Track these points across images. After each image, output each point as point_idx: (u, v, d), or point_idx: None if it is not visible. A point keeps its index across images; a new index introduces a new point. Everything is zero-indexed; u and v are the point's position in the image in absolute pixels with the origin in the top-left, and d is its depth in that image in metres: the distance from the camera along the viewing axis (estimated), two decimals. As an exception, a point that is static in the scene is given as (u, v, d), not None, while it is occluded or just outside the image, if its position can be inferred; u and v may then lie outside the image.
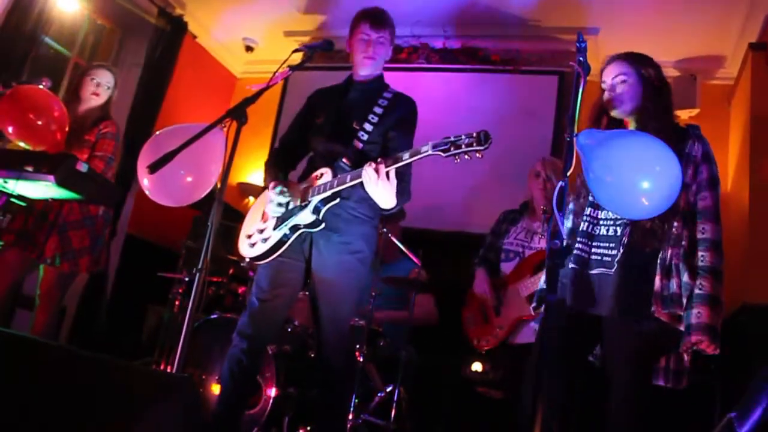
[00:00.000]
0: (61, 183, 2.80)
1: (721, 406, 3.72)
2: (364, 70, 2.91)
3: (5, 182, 2.88)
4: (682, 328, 2.23)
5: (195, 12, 6.06)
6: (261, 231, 2.82)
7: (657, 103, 2.40)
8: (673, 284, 2.23)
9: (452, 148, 2.26)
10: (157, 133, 2.56)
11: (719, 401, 3.76)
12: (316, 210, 2.66)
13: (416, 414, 4.14)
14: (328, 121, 2.87)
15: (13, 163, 2.82)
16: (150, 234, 5.90)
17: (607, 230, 2.40)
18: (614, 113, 2.44)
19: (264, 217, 2.86)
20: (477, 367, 4.38)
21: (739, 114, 4.94)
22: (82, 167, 2.89)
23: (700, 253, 2.25)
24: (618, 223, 2.37)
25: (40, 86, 3.30)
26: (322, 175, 2.72)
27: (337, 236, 2.71)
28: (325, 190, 2.64)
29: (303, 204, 2.70)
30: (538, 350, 2.41)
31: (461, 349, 4.53)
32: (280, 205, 2.74)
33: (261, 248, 2.76)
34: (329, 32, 6.00)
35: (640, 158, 1.89)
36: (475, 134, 2.23)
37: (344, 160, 2.73)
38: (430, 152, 2.32)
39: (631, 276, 2.28)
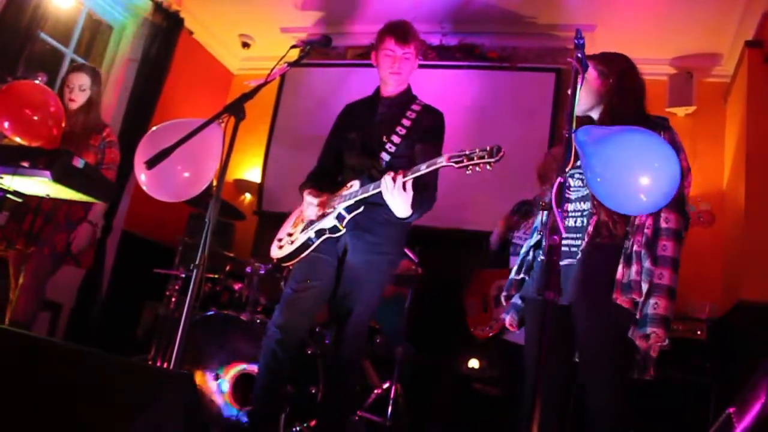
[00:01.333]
0: (57, 179, 2.78)
1: (716, 402, 3.73)
2: (391, 85, 2.97)
3: (1, 178, 2.87)
4: (638, 315, 2.25)
5: (191, 8, 6.05)
6: (290, 234, 2.94)
7: (619, 99, 2.42)
8: (633, 271, 2.25)
9: (465, 160, 2.34)
10: (154, 128, 2.54)
11: (715, 398, 3.77)
12: (340, 217, 2.76)
13: (412, 411, 4.14)
14: (358, 137, 2.95)
15: (9, 159, 2.80)
16: (146, 231, 5.89)
17: (575, 221, 2.43)
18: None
19: (295, 224, 2.98)
20: (474, 363, 4.39)
21: (735, 111, 4.95)
22: (79, 163, 2.88)
23: (662, 242, 2.27)
24: (585, 213, 2.40)
25: (36, 82, 3.30)
26: (351, 186, 2.81)
27: (371, 236, 2.79)
28: (349, 199, 2.74)
29: (329, 211, 2.80)
30: (537, 348, 2.41)
31: (458, 346, 4.53)
32: (311, 210, 2.85)
33: (288, 249, 2.88)
34: (326, 28, 6.00)
35: (639, 155, 1.90)
36: (488, 148, 2.31)
37: (372, 171, 2.81)
38: (444, 164, 2.41)
39: (592, 264, 2.32)
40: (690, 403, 3.76)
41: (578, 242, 2.38)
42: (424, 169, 2.48)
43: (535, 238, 2.60)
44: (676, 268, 2.25)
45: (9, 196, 2.99)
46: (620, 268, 2.27)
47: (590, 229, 2.34)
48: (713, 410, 3.71)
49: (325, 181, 3.02)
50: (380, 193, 2.60)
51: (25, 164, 2.77)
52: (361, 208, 2.75)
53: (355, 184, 2.79)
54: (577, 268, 2.34)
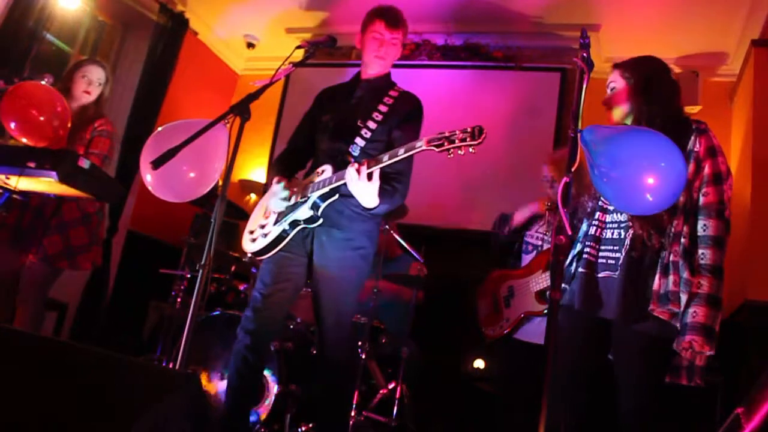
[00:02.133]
0: (63, 179, 2.80)
1: (723, 403, 3.72)
2: (373, 69, 2.91)
3: (7, 179, 2.88)
4: (678, 326, 2.22)
5: (196, 8, 6.06)
6: (262, 227, 2.84)
7: (648, 105, 2.38)
8: (670, 282, 2.22)
9: (446, 143, 2.26)
10: (160, 128, 2.55)
11: (721, 399, 3.76)
12: (315, 206, 2.67)
13: (418, 411, 4.14)
14: (333, 120, 2.87)
15: (16, 159, 2.82)
16: (152, 230, 5.90)
17: (612, 233, 2.39)
18: (609, 122, 2.48)
19: (266, 214, 2.88)
20: (479, 363, 4.39)
21: (742, 111, 4.94)
22: (84, 163, 2.89)
23: (700, 251, 2.23)
24: (622, 226, 2.37)
25: (42, 82, 3.30)
26: (323, 171, 2.73)
27: (340, 232, 2.71)
28: (323, 186, 2.66)
29: (302, 200, 2.71)
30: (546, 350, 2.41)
31: (464, 346, 4.53)
32: (282, 199, 2.76)
33: (261, 243, 2.78)
34: (331, 29, 5.99)
35: (645, 154, 1.89)
36: (469, 129, 2.23)
37: (346, 157, 2.73)
38: (423, 147, 2.31)
39: (632, 278, 2.28)
40: (696, 404, 3.75)
41: (617, 254, 2.34)
42: (402, 153, 2.40)
43: (578, 248, 2.54)
44: (717, 275, 2.20)
45: (15, 196, 3.00)
46: (657, 278, 2.24)
47: (627, 242, 2.31)
48: (720, 411, 3.70)
49: (294, 164, 2.96)
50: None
51: (32, 165, 2.78)
52: (336, 196, 2.68)
53: (327, 170, 2.70)
54: (617, 281, 2.30)
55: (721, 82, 5.37)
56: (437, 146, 2.27)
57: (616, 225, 2.40)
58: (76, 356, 1.89)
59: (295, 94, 6.34)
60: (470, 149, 2.23)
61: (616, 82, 2.47)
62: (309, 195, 2.69)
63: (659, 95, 2.40)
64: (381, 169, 2.48)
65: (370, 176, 2.46)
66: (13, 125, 3.15)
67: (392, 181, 2.67)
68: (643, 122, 2.33)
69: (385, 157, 2.45)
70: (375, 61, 2.88)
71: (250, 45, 6.53)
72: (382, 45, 2.85)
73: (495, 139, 5.64)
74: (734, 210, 4.76)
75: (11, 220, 3.33)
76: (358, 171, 2.44)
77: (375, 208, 2.60)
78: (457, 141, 2.23)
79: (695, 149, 2.31)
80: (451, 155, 2.26)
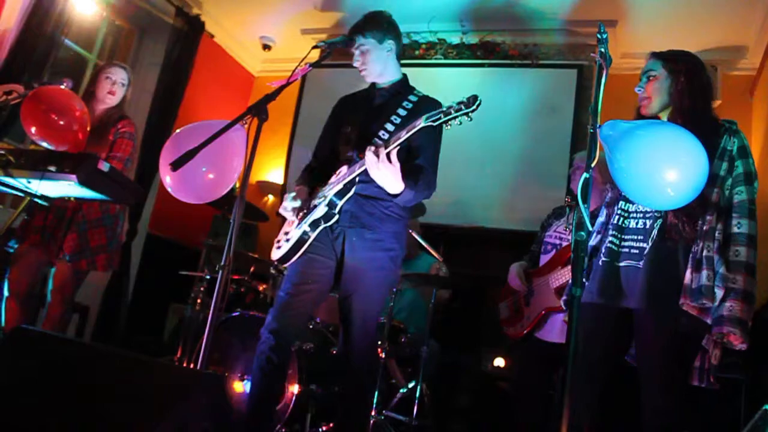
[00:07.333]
0: (83, 182, 2.81)
1: (747, 401, 3.68)
2: (373, 79, 2.95)
3: (28, 182, 2.90)
4: (709, 321, 2.20)
5: (212, 11, 6.09)
6: (286, 233, 2.86)
7: (690, 100, 2.37)
8: (704, 276, 2.20)
9: (442, 116, 2.33)
10: (179, 130, 2.56)
11: (746, 395, 3.72)
12: (331, 203, 2.69)
13: (438, 410, 4.13)
14: (354, 130, 2.88)
15: (36, 163, 2.84)
16: (171, 233, 5.93)
17: (637, 223, 2.39)
18: (643, 111, 2.44)
19: (290, 223, 2.90)
20: (499, 362, 4.38)
21: (762, 105, 4.88)
22: (104, 166, 2.90)
23: (734, 248, 2.23)
24: (648, 216, 2.36)
25: (62, 87, 3.32)
26: (339, 172, 2.75)
27: (370, 233, 2.72)
28: (338, 184, 2.68)
29: (320, 200, 2.74)
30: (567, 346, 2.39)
31: (484, 345, 4.51)
32: (293, 208, 2.79)
33: (285, 248, 2.79)
34: (346, 29, 5.96)
35: (665, 148, 1.87)
36: (465, 99, 2.31)
37: (359, 155, 2.72)
38: (423, 124, 2.37)
39: (658, 269, 2.27)
40: (720, 402, 3.71)
41: (642, 245, 2.34)
42: (404, 135, 2.41)
43: (595, 240, 2.53)
44: (751, 271, 2.21)
45: (37, 200, 3.03)
46: (688, 272, 2.23)
47: (654, 233, 2.30)
48: (744, 407, 3.66)
49: (319, 176, 2.95)
50: (373, 181, 2.55)
51: (52, 168, 2.80)
52: (353, 191, 2.69)
53: (343, 169, 2.73)
54: (643, 272, 2.30)
55: (740, 76, 5.30)
56: (434, 120, 2.34)
57: (641, 215, 2.39)
58: (99, 358, 1.91)
59: (312, 94, 6.35)
60: (467, 117, 2.30)
61: (657, 71, 2.43)
62: (326, 194, 2.72)
63: (701, 91, 2.40)
64: (402, 165, 2.49)
65: (388, 158, 2.45)
66: (33, 130, 3.18)
67: (417, 173, 2.65)
68: (682, 117, 2.31)
69: (391, 138, 2.48)
70: (363, 74, 2.94)
71: (266, 47, 6.55)
72: (359, 56, 2.92)
73: (513, 137, 5.63)
74: (757, 206, 4.70)
75: (38, 221, 3.38)
76: (377, 153, 2.43)
77: (401, 194, 2.58)
78: (453, 112, 2.31)
79: (728, 148, 2.32)
80: (449, 127, 2.35)
